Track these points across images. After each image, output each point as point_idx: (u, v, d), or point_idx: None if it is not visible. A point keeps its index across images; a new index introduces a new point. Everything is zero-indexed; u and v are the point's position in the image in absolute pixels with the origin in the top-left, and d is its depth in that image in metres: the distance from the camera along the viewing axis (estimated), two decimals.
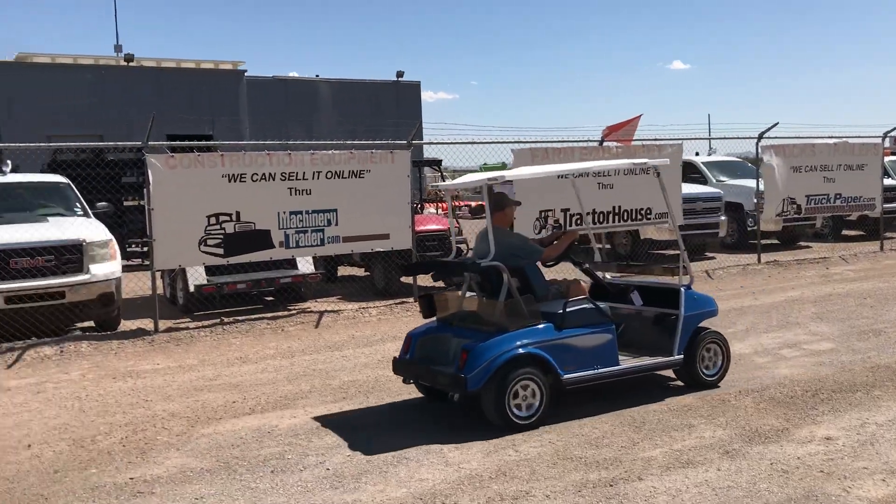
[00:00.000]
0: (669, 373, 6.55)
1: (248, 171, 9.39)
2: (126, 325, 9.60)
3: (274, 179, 9.53)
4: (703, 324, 6.49)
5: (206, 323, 9.52)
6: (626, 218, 12.20)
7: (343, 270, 13.32)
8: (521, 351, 5.53)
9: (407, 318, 9.87)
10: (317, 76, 35.86)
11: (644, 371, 6.20)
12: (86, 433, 5.88)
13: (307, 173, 9.73)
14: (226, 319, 9.65)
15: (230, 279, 10.23)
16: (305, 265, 10.85)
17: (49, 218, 9.70)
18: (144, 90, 29.83)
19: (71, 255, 8.91)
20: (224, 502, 4.52)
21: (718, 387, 6.37)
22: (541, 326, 5.70)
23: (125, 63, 31.25)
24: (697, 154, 18.88)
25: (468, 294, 6.33)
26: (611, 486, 4.55)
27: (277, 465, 5.06)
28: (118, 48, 32.12)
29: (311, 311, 10.24)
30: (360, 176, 10.09)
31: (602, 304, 6.04)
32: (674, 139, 12.92)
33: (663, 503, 4.30)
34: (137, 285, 10.97)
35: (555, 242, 6.55)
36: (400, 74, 35.84)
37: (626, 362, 6.08)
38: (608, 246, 14.15)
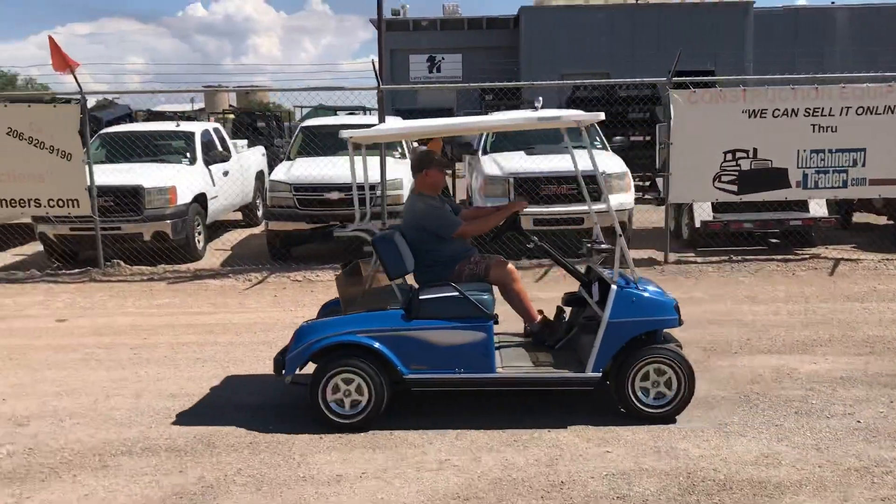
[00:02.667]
0: None
1: (770, 107, 9.03)
2: (631, 253, 10.12)
3: (797, 115, 9.04)
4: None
5: (712, 259, 9.59)
6: None
7: (857, 217, 12.18)
8: (343, 338, 4.69)
9: None
10: (832, 3, 32.75)
11: (537, 386, 4.86)
12: None
13: (834, 109, 9.02)
14: (734, 257, 9.60)
15: (737, 217, 10.07)
16: (818, 208, 10.18)
17: (577, 151, 10.61)
18: (649, 28, 30.43)
19: (593, 185, 9.66)
20: (748, 434, 4.60)
21: (675, 421, 4.70)
22: (387, 312, 4.77)
23: (633, 2, 32.19)
24: None
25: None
26: None
27: (801, 408, 4.97)
28: None
29: (824, 258, 9.62)
30: None
31: (483, 296, 4.79)
32: None
33: None
34: (637, 217, 11.46)
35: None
36: None
37: (512, 371, 4.82)
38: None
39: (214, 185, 11.57)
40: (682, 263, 9.42)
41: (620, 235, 4.81)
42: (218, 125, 13.28)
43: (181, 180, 10.45)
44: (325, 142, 11.11)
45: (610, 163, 10.03)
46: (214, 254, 11.18)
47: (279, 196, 10.11)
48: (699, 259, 9.65)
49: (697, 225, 10.41)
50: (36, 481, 4.19)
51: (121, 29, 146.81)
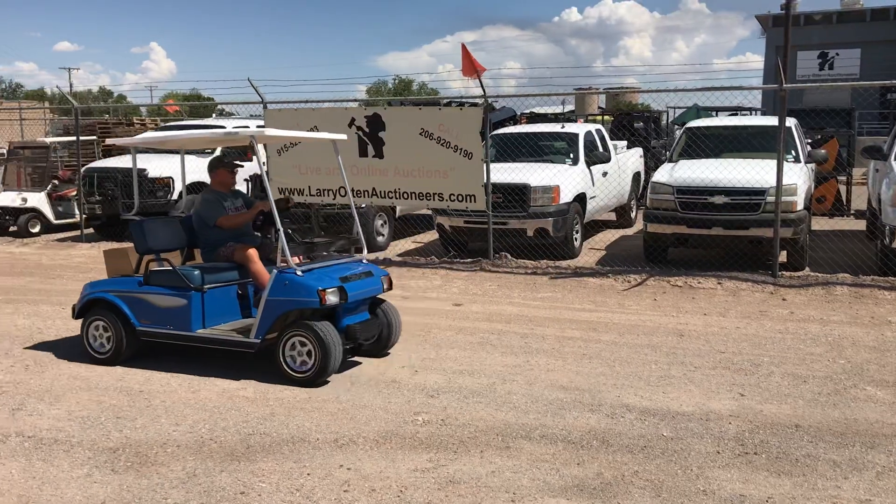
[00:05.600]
0: None
1: None
2: None
3: None
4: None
5: None
6: None
7: None
8: (98, 295, 6.35)
9: None
10: None
11: (221, 345, 6.05)
12: None
13: None
14: None
15: None
16: None
17: None
18: None
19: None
20: None
21: (327, 382, 5.76)
22: (132, 278, 6.33)
23: None
24: None
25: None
26: None
27: None
28: None
29: None
30: None
31: (194, 272, 6.07)
32: None
33: None
34: None
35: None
36: None
37: (207, 332, 6.06)
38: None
39: (594, 185, 11.79)
40: None
41: (279, 230, 5.69)
42: (600, 126, 13.46)
43: (564, 180, 10.79)
44: (709, 143, 10.72)
45: None
46: (589, 252, 11.39)
47: (660, 198, 9.94)
48: None
49: None
50: (449, 451, 4.56)
51: (502, 36, 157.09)
